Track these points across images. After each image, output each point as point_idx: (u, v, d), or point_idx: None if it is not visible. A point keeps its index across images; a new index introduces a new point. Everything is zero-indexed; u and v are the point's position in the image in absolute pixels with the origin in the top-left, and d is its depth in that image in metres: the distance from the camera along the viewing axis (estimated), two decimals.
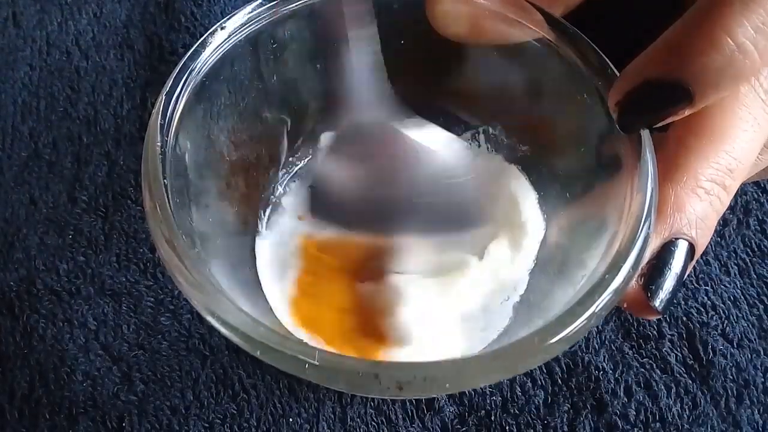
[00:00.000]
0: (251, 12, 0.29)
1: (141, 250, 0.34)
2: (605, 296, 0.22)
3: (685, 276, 0.25)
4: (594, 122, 0.27)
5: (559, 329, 0.21)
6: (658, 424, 0.30)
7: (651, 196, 0.24)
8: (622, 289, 0.22)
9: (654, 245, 0.24)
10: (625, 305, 0.24)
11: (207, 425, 0.30)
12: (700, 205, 0.24)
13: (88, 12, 0.43)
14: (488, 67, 0.31)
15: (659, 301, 0.24)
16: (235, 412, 0.30)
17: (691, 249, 0.24)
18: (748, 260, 0.33)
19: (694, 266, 0.31)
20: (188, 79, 0.27)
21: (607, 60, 0.27)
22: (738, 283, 0.33)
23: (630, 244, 0.23)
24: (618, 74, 0.25)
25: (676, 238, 0.24)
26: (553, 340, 0.21)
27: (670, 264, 0.24)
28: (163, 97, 0.26)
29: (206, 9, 0.42)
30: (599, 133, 0.27)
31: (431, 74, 0.32)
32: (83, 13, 0.43)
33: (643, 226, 0.23)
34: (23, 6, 0.44)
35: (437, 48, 0.30)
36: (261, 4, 0.29)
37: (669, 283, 0.24)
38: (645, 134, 0.25)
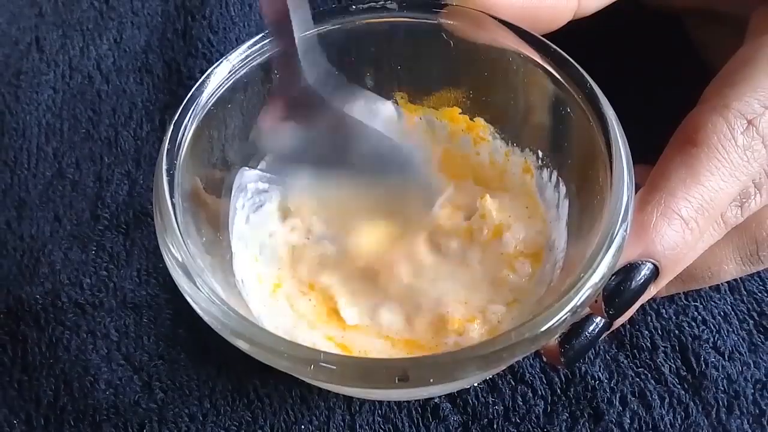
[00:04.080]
0: (253, 45, 0.31)
1: (161, 265, 0.35)
2: (583, 293, 0.24)
3: (647, 298, 0.28)
4: (575, 131, 0.30)
5: (539, 325, 0.24)
6: None
7: (627, 201, 0.26)
8: (600, 286, 0.25)
9: (624, 260, 0.26)
10: (542, 350, 0.28)
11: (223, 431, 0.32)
12: (672, 234, 0.27)
13: (108, 38, 0.45)
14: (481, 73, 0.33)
15: (568, 357, 0.27)
16: (249, 419, 0.32)
17: (656, 273, 0.27)
18: (738, 277, 0.35)
19: None
20: (195, 108, 0.30)
21: (587, 76, 0.29)
22: (728, 299, 0.34)
23: (605, 247, 0.25)
24: (596, 88, 0.28)
25: (644, 261, 0.26)
26: (532, 334, 0.24)
27: (629, 285, 0.27)
28: (172, 126, 0.29)
29: (222, 36, 0.44)
30: (578, 141, 0.30)
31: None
32: (104, 38, 0.45)
33: (619, 229, 0.25)
34: (46, 31, 0.46)
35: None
36: (263, 38, 0.31)
37: (581, 344, 0.27)
38: (620, 140, 0.27)
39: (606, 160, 0.27)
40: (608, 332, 0.28)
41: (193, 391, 0.33)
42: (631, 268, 0.27)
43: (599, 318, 0.27)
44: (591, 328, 0.27)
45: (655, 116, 0.30)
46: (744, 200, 0.29)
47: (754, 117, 0.27)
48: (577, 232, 0.30)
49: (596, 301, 0.26)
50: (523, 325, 0.24)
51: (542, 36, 0.31)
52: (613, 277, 0.26)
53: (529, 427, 0.31)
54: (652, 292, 0.28)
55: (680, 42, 0.39)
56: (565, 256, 0.30)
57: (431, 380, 0.23)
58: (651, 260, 0.27)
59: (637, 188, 0.27)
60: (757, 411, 0.31)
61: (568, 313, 0.24)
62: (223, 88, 0.31)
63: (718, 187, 0.27)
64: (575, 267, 0.26)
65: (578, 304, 0.24)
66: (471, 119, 0.34)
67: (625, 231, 0.25)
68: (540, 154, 0.33)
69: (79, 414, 0.32)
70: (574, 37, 0.31)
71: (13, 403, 0.33)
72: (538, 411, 0.32)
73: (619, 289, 0.27)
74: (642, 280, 0.27)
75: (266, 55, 0.31)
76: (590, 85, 0.29)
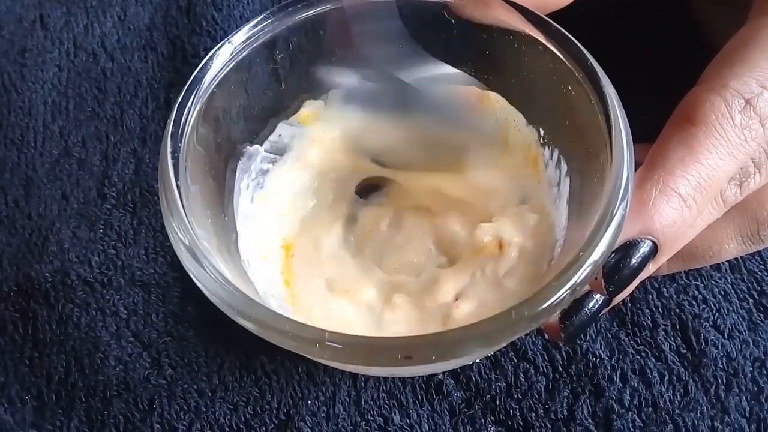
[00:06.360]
0: (255, 26, 0.31)
1: (168, 243, 0.36)
2: (582, 270, 0.24)
3: (646, 275, 0.28)
4: (575, 109, 0.30)
5: (539, 303, 0.24)
6: (650, 409, 0.32)
7: (626, 179, 0.26)
8: (599, 263, 0.25)
9: (623, 237, 0.27)
10: (543, 326, 0.28)
11: (231, 407, 0.32)
12: (671, 212, 0.27)
13: (112, 15, 0.45)
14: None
15: (568, 333, 0.28)
16: (257, 395, 0.33)
17: (655, 250, 0.27)
18: (739, 257, 0.35)
19: None
20: (199, 90, 0.30)
21: (588, 54, 0.29)
22: (729, 278, 0.35)
23: (604, 225, 0.25)
24: (596, 66, 0.28)
25: (643, 238, 0.27)
26: (532, 312, 0.24)
27: (628, 262, 0.27)
28: (176, 108, 0.29)
29: (226, 13, 0.44)
30: (579, 119, 0.30)
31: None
32: (108, 15, 0.45)
33: (618, 207, 0.25)
34: (50, 9, 0.46)
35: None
36: (265, 18, 0.31)
37: (581, 320, 0.28)
38: (620, 118, 0.27)
39: (606, 138, 0.27)
40: (608, 309, 0.29)
41: (201, 368, 0.33)
42: (630, 246, 0.27)
43: (599, 295, 0.28)
44: (591, 304, 0.28)
45: (656, 94, 0.30)
46: (743, 179, 0.29)
47: (752, 97, 0.27)
48: (578, 211, 0.30)
49: (596, 279, 0.26)
50: (524, 303, 0.24)
51: (547, 15, 0.31)
52: (612, 255, 0.26)
53: (531, 403, 0.32)
54: (651, 269, 0.28)
55: (684, 21, 0.39)
56: (566, 234, 0.30)
57: (434, 358, 0.24)
58: (650, 237, 0.27)
59: (637, 166, 0.27)
60: (756, 388, 0.32)
61: (568, 291, 0.24)
62: (226, 69, 0.31)
63: (716, 165, 0.27)
64: (575, 245, 0.26)
65: (578, 281, 0.24)
66: None
67: (625, 209, 0.26)
68: (542, 132, 0.33)
69: (89, 390, 0.33)
70: (577, 15, 0.31)
71: (24, 379, 0.33)
72: (540, 387, 0.32)
73: (619, 266, 0.27)
74: (641, 258, 0.27)
75: (269, 35, 0.31)
76: (590, 63, 0.29)
